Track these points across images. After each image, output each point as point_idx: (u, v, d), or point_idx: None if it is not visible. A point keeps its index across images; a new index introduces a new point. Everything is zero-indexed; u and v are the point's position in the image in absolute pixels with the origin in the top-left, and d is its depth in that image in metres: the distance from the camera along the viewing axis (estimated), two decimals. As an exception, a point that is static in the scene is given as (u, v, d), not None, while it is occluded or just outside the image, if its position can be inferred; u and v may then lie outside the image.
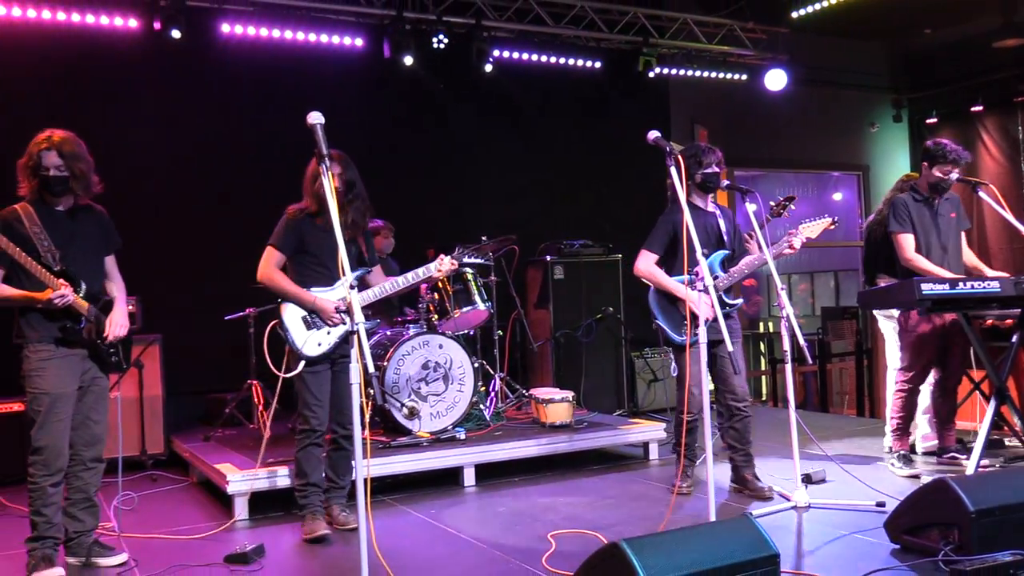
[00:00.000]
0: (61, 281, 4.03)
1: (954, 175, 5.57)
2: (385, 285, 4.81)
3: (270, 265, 4.71)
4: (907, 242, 5.53)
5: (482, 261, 5.52)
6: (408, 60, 8.36)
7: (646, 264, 5.25)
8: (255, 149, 7.86)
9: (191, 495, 5.95)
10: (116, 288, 4.46)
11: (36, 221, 4.08)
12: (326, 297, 4.70)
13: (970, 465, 5.18)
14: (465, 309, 6.53)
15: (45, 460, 4.08)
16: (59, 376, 4.12)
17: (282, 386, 4.88)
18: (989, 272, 5.59)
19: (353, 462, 4.74)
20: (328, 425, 4.81)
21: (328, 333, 4.71)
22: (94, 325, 4.19)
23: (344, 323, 4.63)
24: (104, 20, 7.35)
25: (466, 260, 5.12)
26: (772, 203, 5.22)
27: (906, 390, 5.67)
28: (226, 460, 5.63)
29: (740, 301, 5.34)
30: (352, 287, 3.42)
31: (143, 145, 7.47)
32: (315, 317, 4.70)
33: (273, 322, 4.76)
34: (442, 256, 4.87)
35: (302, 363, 4.68)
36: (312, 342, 4.68)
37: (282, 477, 5.24)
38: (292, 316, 4.71)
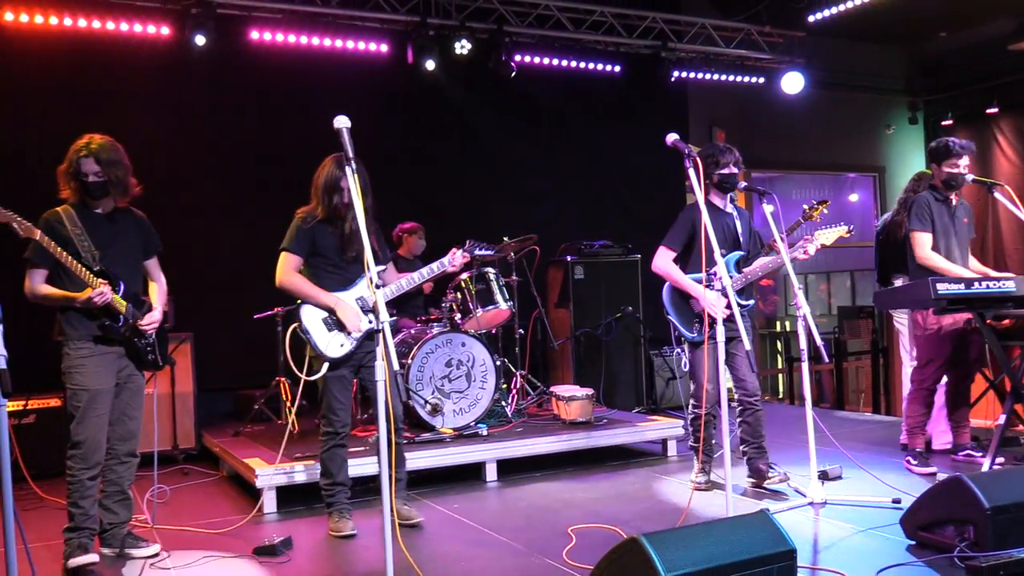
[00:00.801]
0: (100, 280, 4.08)
1: (965, 165, 5.50)
2: (401, 282, 4.75)
3: (288, 269, 4.64)
4: (924, 240, 5.48)
5: (493, 253, 5.51)
6: (432, 65, 8.37)
7: (664, 261, 5.23)
8: (283, 152, 7.88)
9: (221, 488, 6.00)
10: (158, 289, 4.51)
11: (77, 223, 4.14)
12: (343, 297, 4.67)
13: (985, 462, 5.14)
14: (487, 308, 6.54)
15: (83, 454, 4.13)
16: (97, 373, 4.17)
17: (304, 385, 4.84)
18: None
19: (405, 454, 4.78)
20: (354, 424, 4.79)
21: (349, 334, 4.66)
22: (132, 324, 4.24)
23: (359, 328, 4.61)
24: (137, 28, 7.42)
25: (477, 252, 5.06)
26: (805, 206, 5.20)
27: (922, 388, 5.62)
28: (255, 455, 5.67)
29: (752, 302, 5.32)
30: (378, 286, 3.42)
31: (174, 148, 7.53)
32: (335, 318, 4.62)
33: (293, 325, 4.67)
34: (454, 250, 4.85)
35: (325, 365, 4.61)
36: (335, 343, 4.61)
37: (309, 472, 5.26)
38: (312, 318, 4.61)
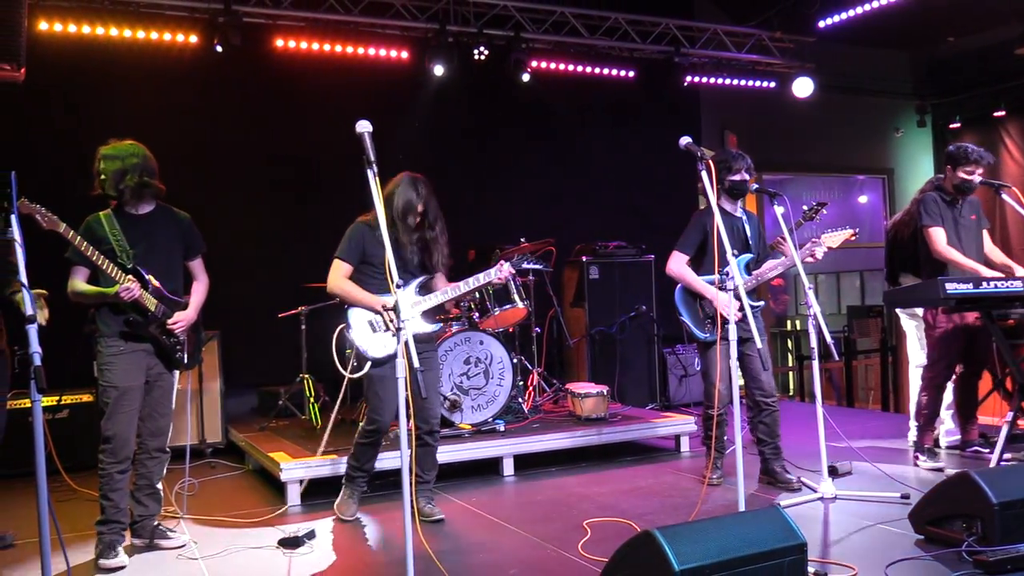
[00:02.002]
0: (129, 277, 4.11)
1: (978, 175, 5.47)
2: (447, 290, 4.76)
3: (338, 276, 4.68)
4: (939, 235, 5.43)
5: (540, 267, 5.51)
6: (450, 71, 8.39)
7: (677, 265, 5.22)
8: (307, 156, 7.93)
9: (247, 482, 6.03)
10: (199, 287, 4.54)
11: (115, 224, 4.20)
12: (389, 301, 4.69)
13: (993, 458, 5.10)
14: (505, 307, 6.54)
15: (113, 449, 4.16)
16: (127, 371, 4.20)
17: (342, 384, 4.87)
18: (1019, 270, 5.47)
19: (435, 454, 4.80)
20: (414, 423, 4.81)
21: (393, 336, 4.66)
22: (160, 321, 4.26)
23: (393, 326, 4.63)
24: (167, 36, 7.48)
25: (524, 266, 5.08)
26: (805, 207, 5.17)
27: (932, 386, 5.58)
28: (279, 449, 5.70)
29: (762, 303, 5.29)
30: (399, 287, 3.42)
31: (202, 152, 7.57)
32: (381, 320, 4.65)
33: (340, 326, 4.73)
34: (501, 263, 4.83)
35: (368, 364, 4.65)
36: (379, 344, 4.64)
37: (333, 465, 5.29)
38: (359, 320, 4.66)
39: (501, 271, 4.79)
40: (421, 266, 4.78)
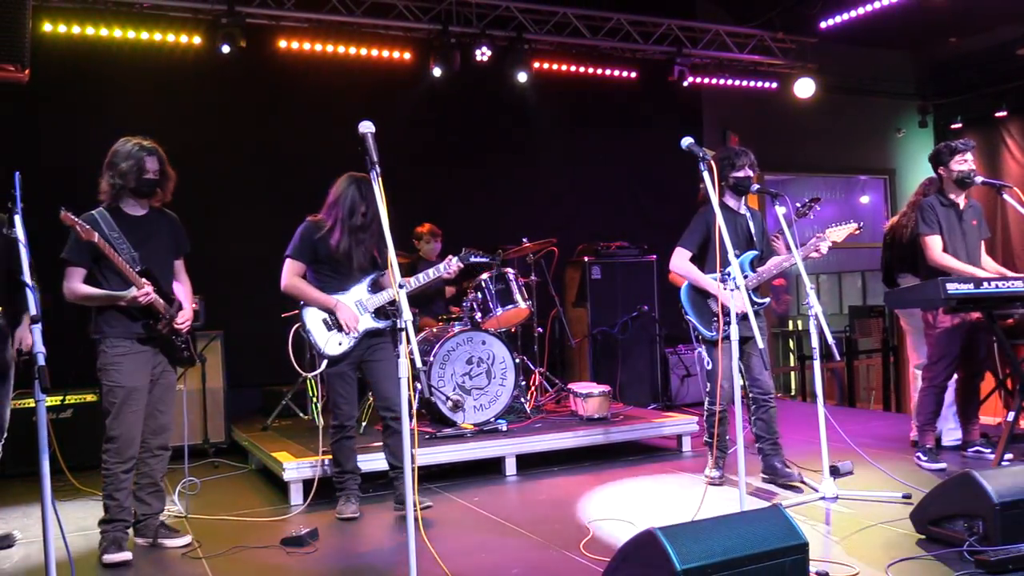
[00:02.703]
0: (144, 280, 4.11)
1: (971, 162, 5.44)
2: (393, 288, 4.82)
3: (291, 275, 4.82)
4: (935, 244, 5.43)
5: (487, 260, 5.63)
6: (453, 72, 8.39)
7: (680, 261, 5.22)
8: (309, 156, 7.92)
9: (250, 481, 6.03)
10: (184, 289, 4.53)
11: (113, 226, 4.17)
12: (343, 300, 4.78)
13: (995, 458, 5.09)
14: (507, 307, 6.55)
15: (118, 448, 4.16)
16: (133, 370, 4.19)
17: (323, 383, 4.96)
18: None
19: (411, 450, 4.79)
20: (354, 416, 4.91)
21: (347, 334, 4.77)
22: (170, 322, 4.27)
23: (356, 330, 4.75)
24: (170, 37, 7.49)
25: (472, 260, 5.26)
26: (798, 204, 5.17)
27: (933, 386, 5.57)
28: (282, 449, 5.70)
29: (767, 300, 5.29)
30: (401, 286, 3.42)
31: (205, 153, 7.55)
32: (335, 319, 4.76)
33: (296, 325, 4.85)
34: (449, 257, 4.97)
35: (324, 362, 4.78)
36: (333, 342, 4.76)
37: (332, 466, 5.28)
38: (313, 319, 4.79)
39: (450, 265, 4.93)
40: (372, 262, 4.89)
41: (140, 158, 4.20)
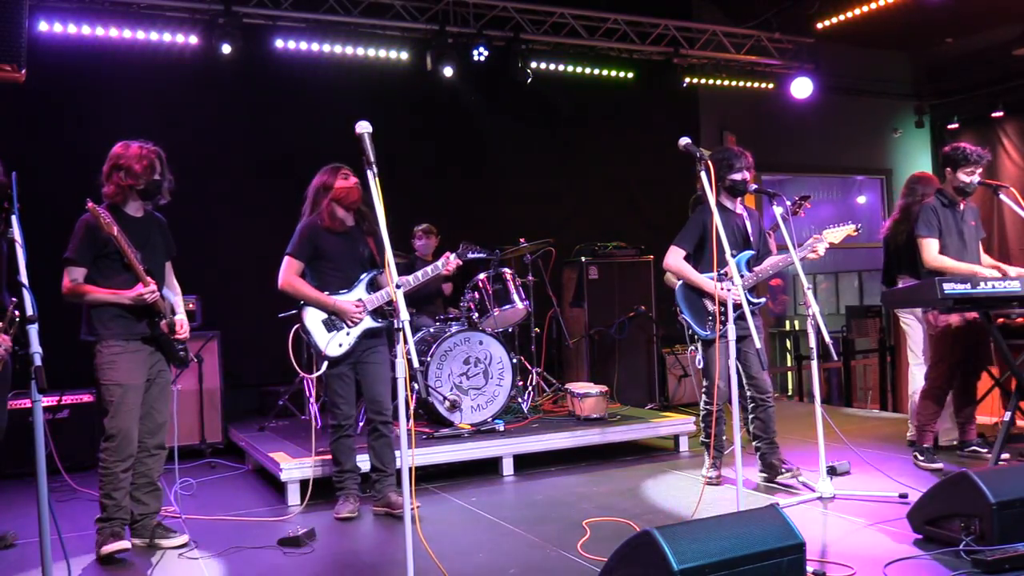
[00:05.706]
0: (150, 278, 4.12)
1: (978, 176, 5.47)
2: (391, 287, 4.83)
3: (290, 273, 4.80)
4: (931, 246, 5.43)
5: (485, 255, 5.63)
6: (450, 72, 8.39)
7: (675, 259, 5.22)
8: (307, 156, 7.86)
9: (247, 481, 6.03)
10: (173, 291, 4.53)
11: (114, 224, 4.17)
12: (345, 299, 4.78)
13: (991, 458, 5.10)
14: (504, 308, 6.55)
15: (116, 447, 4.15)
16: (130, 369, 4.20)
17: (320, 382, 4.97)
18: (1012, 271, 5.47)
19: (397, 451, 4.80)
20: (362, 416, 4.89)
21: (348, 334, 4.77)
22: (170, 322, 4.28)
23: (361, 321, 4.74)
24: (166, 37, 7.47)
25: (470, 256, 5.24)
26: (788, 202, 5.18)
27: (935, 387, 5.56)
28: (279, 449, 5.70)
29: (763, 300, 5.30)
30: (399, 286, 3.42)
31: (202, 153, 7.55)
32: (335, 319, 4.76)
33: (296, 326, 4.83)
34: (447, 254, 4.96)
35: (325, 363, 4.77)
36: (334, 343, 4.76)
37: (332, 466, 5.27)
38: (313, 319, 4.78)
39: (448, 263, 4.93)
40: (370, 261, 4.91)
41: (152, 159, 4.22)
